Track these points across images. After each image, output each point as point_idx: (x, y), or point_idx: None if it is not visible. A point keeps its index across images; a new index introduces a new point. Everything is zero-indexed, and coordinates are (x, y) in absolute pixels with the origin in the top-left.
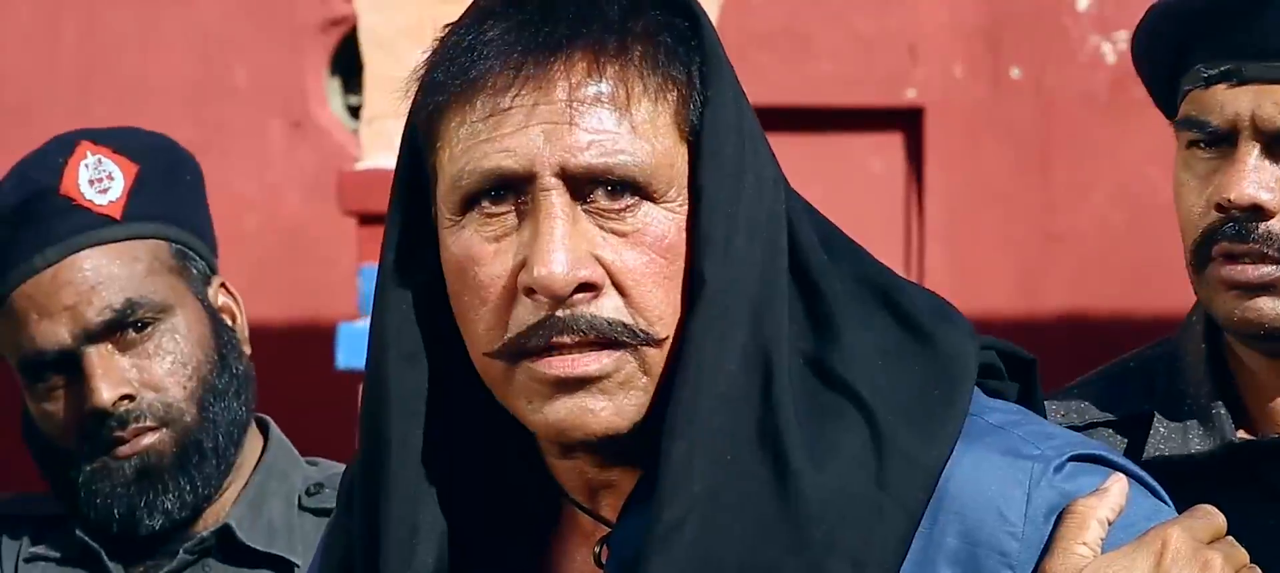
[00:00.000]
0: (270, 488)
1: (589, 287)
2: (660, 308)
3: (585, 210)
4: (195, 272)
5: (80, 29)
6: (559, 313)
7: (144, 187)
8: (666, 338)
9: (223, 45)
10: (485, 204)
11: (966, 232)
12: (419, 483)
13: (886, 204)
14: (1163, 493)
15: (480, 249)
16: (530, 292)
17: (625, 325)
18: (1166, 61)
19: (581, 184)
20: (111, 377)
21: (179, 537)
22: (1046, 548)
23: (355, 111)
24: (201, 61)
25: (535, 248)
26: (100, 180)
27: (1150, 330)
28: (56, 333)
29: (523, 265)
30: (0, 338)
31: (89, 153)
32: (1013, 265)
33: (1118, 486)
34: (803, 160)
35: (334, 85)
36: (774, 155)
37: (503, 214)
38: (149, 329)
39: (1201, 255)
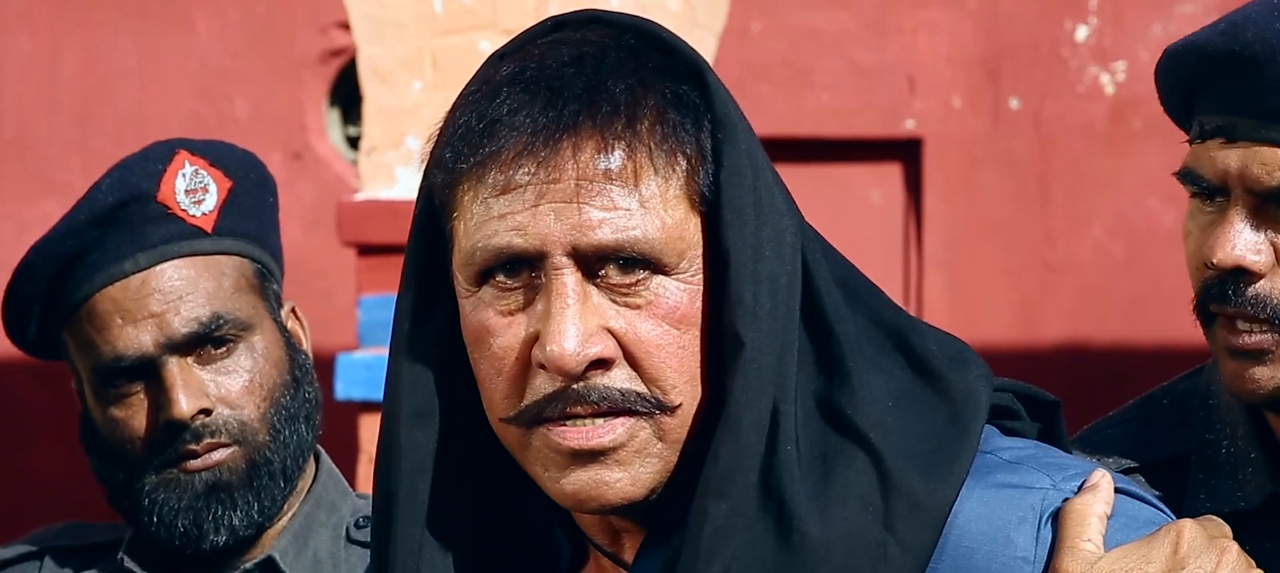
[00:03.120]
0: (318, 519)
1: (601, 362)
2: (674, 377)
3: (597, 286)
4: (272, 293)
5: (80, 62)
6: (574, 385)
7: (235, 203)
8: (681, 405)
9: (222, 77)
10: (500, 278)
11: (965, 262)
12: (424, 537)
13: (885, 235)
14: (1169, 513)
15: (495, 322)
16: (544, 366)
17: (639, 395)
18: (1177, 108)
19: (593, 261)
20: (191, 389)
21: (223, 566)
22: (1051, 552)
23: (354, 142)
24: (201, 94)
25: (547, 326)
26: (196, 191)
27: (1149, 360)
28: (139, 340)
29: (536, 338)
30: (74, 341)
31: (187, 163)
32: (1011, 296)
33: (1105, 480)
34: (802, 191)
35: (333, 116)
36: (791, 201)
37: (516, 288)
38: (229, 346)
39: (1204, 312)
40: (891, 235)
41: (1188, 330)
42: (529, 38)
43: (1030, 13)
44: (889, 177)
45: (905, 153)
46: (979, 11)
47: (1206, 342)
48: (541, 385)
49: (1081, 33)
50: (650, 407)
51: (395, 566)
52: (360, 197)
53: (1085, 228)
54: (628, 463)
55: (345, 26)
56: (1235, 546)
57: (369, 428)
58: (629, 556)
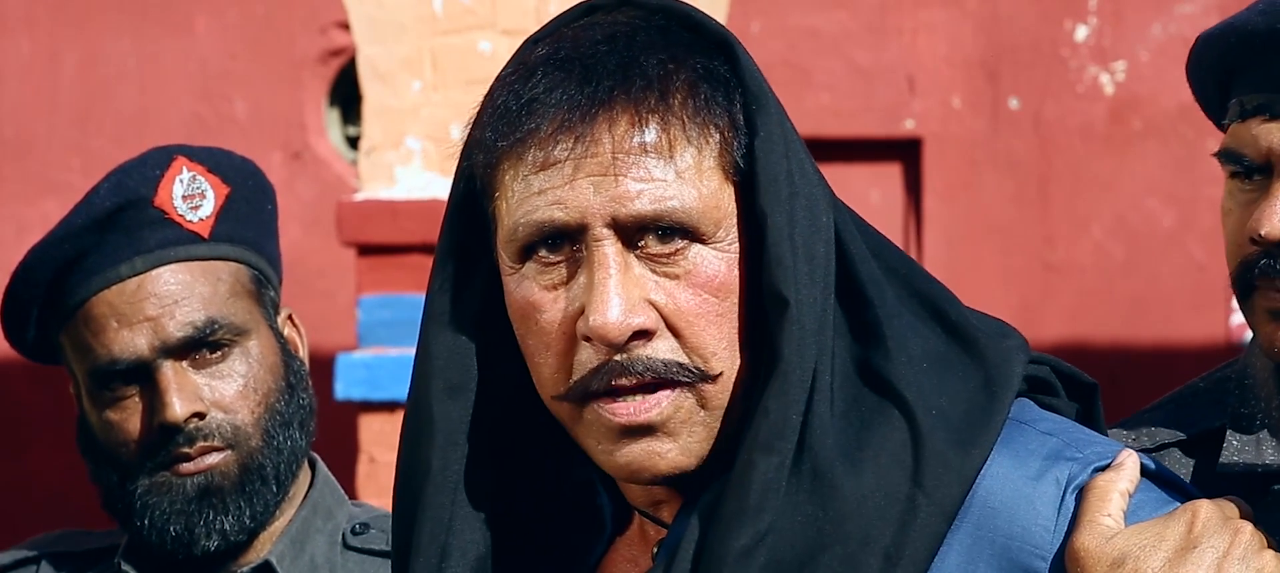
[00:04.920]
0: (315, 525)
1: (643, 333)
2: (715, 345)
3: (637, 256)
4: (269, 299)
5: (80, 63)
6: (617, 357)
7: (232, 209)
8: (722, 373)
9: (222, 78)
10: (542, 253)
11: (965, 262)
12: (453, 508)
13: (885, 234)
14: (1196, 493)
15: (539, 297)
16: (588, 338)
17: (681, 365)
18: (1212, 92)
19: (632, 232)
20: (185, 392)
21: (219, 570)
22: (1071, 526)
23: (354, 142)
24: (201, 94)
25: (590, 298)
26: (193, 197)
27: (1149, 360)
28: (134, 343)
29: (580, 312)
30: (71, 344)
31: (185, 168)
32: (1011, 296)
33: (1131, 459)
34: None
35: (333, 116)
36: (821, 175)
37: (559, 262)
38: (224, 350)
39: (1243, 283)
40: (891, 236)
41: (1187, 331)
42: (561, 22)
43: (1030, 13)
44: (888, 177)
45: (905, 153)
46: (978, 12)
47: (1244, 315)
48: (587, 359)
49: (1081, 33)
50: (693, 377)
51: (421, 535)
52: (360, 197)
53: (1085, 228)
54: (676, 434)
55: (345, 27)
56: (1249, 526)
57: (368, 428)
58: (669, 517)
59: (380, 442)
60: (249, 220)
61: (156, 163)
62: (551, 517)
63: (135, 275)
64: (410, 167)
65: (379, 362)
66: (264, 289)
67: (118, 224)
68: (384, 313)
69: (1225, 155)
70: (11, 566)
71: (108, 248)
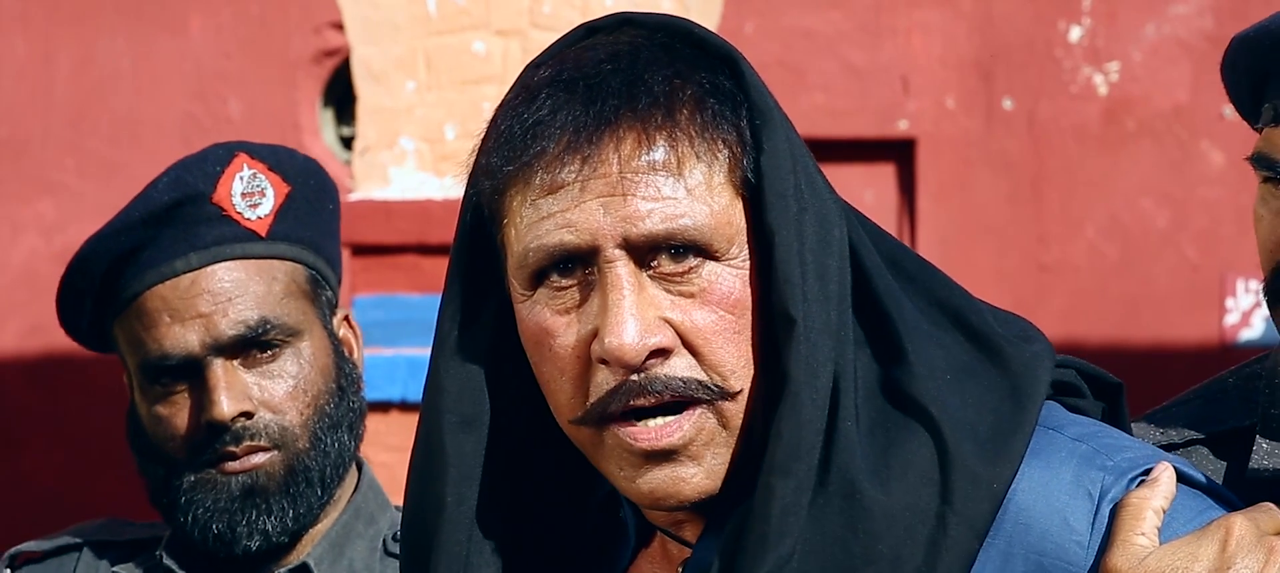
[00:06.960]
0: (356, 530)
1: (660, 352)
2: (732, 363)
3: (650, 276)
4: (325, 300)
5: (75, 63)
6: (634, 377)
7: (292, 208)
8: (742, 390)
9: (216, 78)
10: (554, 277)
11: (958, 263)
12: (469, 544)
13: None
14: (1228, 496)
15: (552, 322)
16: (604, 361)
17: (700, 383)
18: (1246, 96)
19: (644, 252)
20: (234, 391)
21: (259, 569)
22: (1104, 544)
23: (348, 143)
24: (195, 94)
25: (605, 319)
26: (252, 195)
27: (1143, 361)
28: (186, 339)
29: (595, 335)
30: (124, 336)
31: (245, 166)
32: (1005, 297)
33: (1166, 474)
34: None
35: (327, 117)
36: (831, 187)
37: (571, 286)
38: (275, 350)
39: (1274, 289)
40: None
41: (1180, 331)
42: (563, 44)
43: (1024, 13)
44: (882, 177)
45: (899, 153)
46: (972, 12)
47: (1273, 320)
48: (603, 381)
49: (1075, 33)
50: (712, 394)
51: (438, 571)
52: (354, 197)
53: (1079, 229)
54: (700, 457)
55: (339, 27)
56: None
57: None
58: (691, 535)
59: (374, 442)
60: (308, 220)
61: (217, 159)
62: (572, 539)
63: (190, 271)
64: (404, 167)
65: (373, 362)
66: (320, 290)
67: (175, 219)
68: (378, 313)
69: (1257, 160)
70: (54, 551)
71: (164, 242)
